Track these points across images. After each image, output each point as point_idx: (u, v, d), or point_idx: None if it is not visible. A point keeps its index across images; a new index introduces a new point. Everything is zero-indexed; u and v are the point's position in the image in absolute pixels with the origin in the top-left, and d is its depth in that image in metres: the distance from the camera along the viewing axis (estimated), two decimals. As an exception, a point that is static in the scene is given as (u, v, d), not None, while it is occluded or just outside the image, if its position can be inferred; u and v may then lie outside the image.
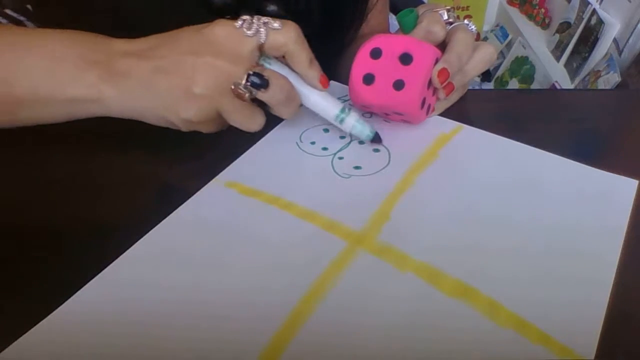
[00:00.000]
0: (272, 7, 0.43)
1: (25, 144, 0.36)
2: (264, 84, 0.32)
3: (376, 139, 0.36)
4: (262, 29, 0.32)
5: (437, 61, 0.35)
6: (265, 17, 0.33)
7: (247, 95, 0.32)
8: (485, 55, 0.38)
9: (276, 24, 0.32)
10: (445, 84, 0.36)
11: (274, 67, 0.34)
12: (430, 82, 0.35)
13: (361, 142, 0.37)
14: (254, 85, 0.32)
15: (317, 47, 0.49)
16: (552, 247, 0.29)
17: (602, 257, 0.28)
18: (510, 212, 0.31)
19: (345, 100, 0.41)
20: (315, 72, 0.34)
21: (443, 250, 0.29)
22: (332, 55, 0.55)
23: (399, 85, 0.34)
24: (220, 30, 0.32)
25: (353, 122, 0.36)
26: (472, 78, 0.39)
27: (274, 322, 0.25)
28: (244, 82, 0.31)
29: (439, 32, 0.37)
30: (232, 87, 0.32)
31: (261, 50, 0.33)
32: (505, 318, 0.25)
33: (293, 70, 0.34)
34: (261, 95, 0.32)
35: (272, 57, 0.34)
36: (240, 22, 0.32)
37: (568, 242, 0.29)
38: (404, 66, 0.35)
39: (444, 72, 0.35)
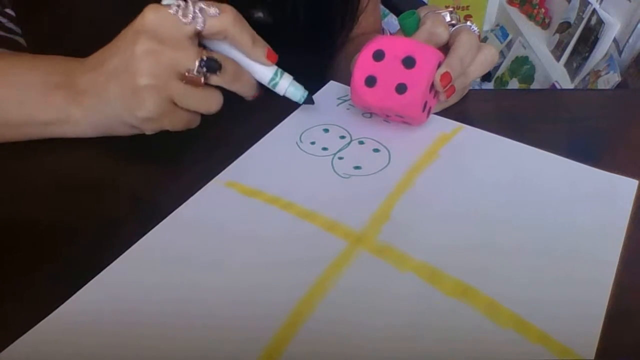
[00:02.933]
0: (258, 14, 0.43)
1: (24, 142, 0.36)
2: (217, 66, 0.32)
3: (308, 100, 0.38)
4: (199, 16, 0.31)
5: (439, 64, 0.35)
6: (201, 2, 0.32)
7: (202, 79, 0.31)
8: (487, 57, 0.38)
9: (212, 9, 0.32)
10: (447, 87, 0.35)
11: (213, 46, 0.34)
12: (432, 85, 0.35)
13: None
14: (208, 69, 0.31)
15: (307, 50, 0.49)
16: (552, 247, 0.29)
17: (602, 257, 0.28)
18: (510, 212, 0.31)
19: (345, 101, 0.41)
20: (260, 49, 0.34)
21: (443, 250, 0.29)
22: (323, 58, 0.55)
23: (401, 88, 0.34)
24: (152, 15, 0.31)
25: (286, 85, 0.37)
26: (473, 80, 0.39)
27: (274, 322, 0.25)
28: (196, 67, 0.31)
29: (443, 34, 0.37)
30: (186, 73, 0.31)
31: (199, 36, 0.32)
32: (505, 318, 0.25)
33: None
34: (214, 79, 0.32)
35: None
36: (174, 8, 0.31)
37: (568, 242, 0.29)
38: (406, 69, 0.34)
39: (446, 76, 0.35)
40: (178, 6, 0.31)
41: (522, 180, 0.33)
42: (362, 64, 0.35)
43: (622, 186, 0.33)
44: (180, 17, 0.31)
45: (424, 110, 0.36)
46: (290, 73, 0.37)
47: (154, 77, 0.30)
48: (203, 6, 0.31)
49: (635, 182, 0.33)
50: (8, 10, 0.43)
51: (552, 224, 0.30)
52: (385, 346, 0.24)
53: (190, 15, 0.31)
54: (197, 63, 0.31)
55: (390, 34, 0.46)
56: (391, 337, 0.24)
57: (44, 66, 0.35)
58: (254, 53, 0.34)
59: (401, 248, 0.29)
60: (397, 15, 0.65)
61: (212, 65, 0.31)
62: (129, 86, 0.31)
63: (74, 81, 0.33)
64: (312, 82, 0.43)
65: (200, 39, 0.33)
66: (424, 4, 0.66)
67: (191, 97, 0.32)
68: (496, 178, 0.34)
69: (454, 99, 0.40)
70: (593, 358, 0.23)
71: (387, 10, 0.73)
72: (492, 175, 0.34)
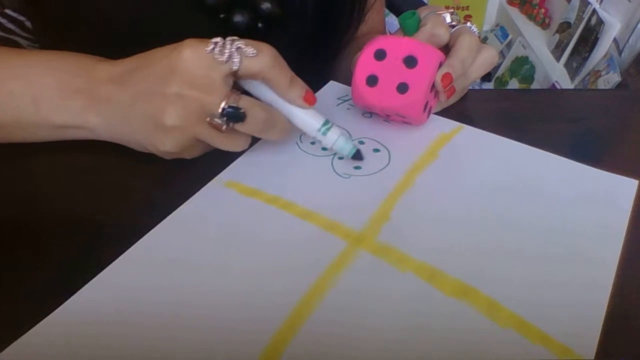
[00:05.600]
0: (266, 5, 0.43)
1: (25, 143, 0.36)
2: (240, 117, 0.30)
3: (357, 156, 0.34)
4: (235, 56, 0.30)
5: (440, 64, 0.35)
6: (239, 41, 0.30)
7: (223, 127, 0.30)
8: (487, 59, 0.38)
9: (250, 49, 0.30)
10: (448, 88, 0.36)
11: (250, 86, 0.32)
12: (433, 85, 0.35)
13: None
14: (230, 118, 0.30)
15: (313, 47, 0.49)
16: (552, 247, 0.29)
17: (602, 257, 0.28)
18: (510, 212, 0.31)
19: (345, 101, 0.41)
20: (297, 91, 0.32)
21: (443, 250, 0.29)
22: (329, 55, 0.55)
23: (402, 88, 0.34)
24: (189, 55, 0.29)
25: (335, 138, 0.34)
26: (473, 81, 0.39)
27: (274, 322, 0.25)
28: (219, 113, 0.30)
29: (443, 35, 0.37)
30: (208, 118, 0.30)
31: (235, 76, 0.31)
32: (505, 318, 0.25)
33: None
34: (239, 127, 0.31)
35: None
36: (211, 46, 0.30)
37: (568, 242, 0.29)
38: (408, 69, 0.34)
39: (447, 77, 0.35)
40: (216, 43, 0.30)
41: (522, 180, 0.33)
42: (364, 63, 0.35)
43: (622, 186, 0.33)
44: (217, 56, 0.29)
45: (424, 110, 0.36)
46: (295, 69, 0.36)
47: (181, 120, 0.30)
48: (241, 45, 0.30)
49: (635, 182, 0.33)
50: (8, 11, 0.43)
51: (552, 224, 0.30)
52: (385, 346, 0.24)
53: (227, 54, 0.30)
54: (220, 109, 0.30)
55: (390, 34, 0.46)
56: (391, 338, 0.24)
57: (63, 67, 0.33)
58: (290, 95, 0.32)
59: (401, 248, 0.29)
60: (397, 15, 0.65)
61: (235, 114, 0.30)
62: (154, 120, 0.30)
63: (96, 88, 0.32)
64: (314, 80, 0.43)
65: (236, 78, 0.32)
66: (424, 4, 0.66)
67: (215, 140, 0.31)
68: (496, 178, 0.34)
69: (453, 100, 0.41)
70: (593, 358, 0.23)
71: (387, 10, 0.73)
72: (492, 175, 0.34)
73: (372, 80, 0.35)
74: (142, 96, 0.30)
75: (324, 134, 0.34)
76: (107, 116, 0.32)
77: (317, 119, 0.34)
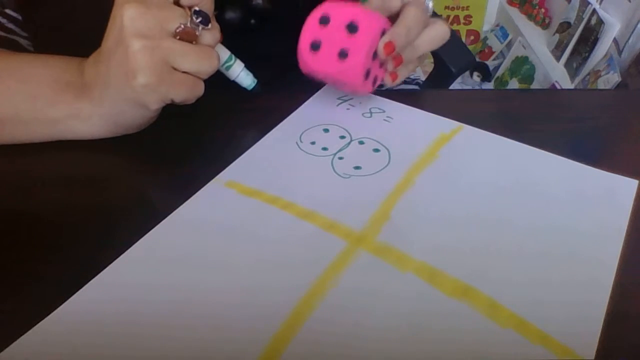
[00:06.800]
0: (257, 1, 0.43)
1: (24, 145, 0.36)
2: (208, 19, 0.32)
3: (256, 88, 0.37)
4: None
5: (384, 32, 0.35)
6: None
7: (196, 32, 0.32)
8: (437, 33, 0.38)
9: None
10: (392, 56, 0.35)
11: None
12: (376, 54, 0.35)
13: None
14: (202, 21, 0.32)
15: None
16: (552, 247, 0.29)
17: (602, 257, 0.28)
18: (510, 212, 0.31)
19: (345, 101, 0.41)
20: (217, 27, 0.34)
21: (443, 250, 0.29)
22: None
23: (343, 54, 0.34)
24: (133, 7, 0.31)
25: (239, 71, 0.37)
26: (422, 53, 0.38)
27: (274, 322, 0.25)
28: (189, 20, 0.31)
29: (394, 3, 0.37)
30: (178, 29, 0.31)
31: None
32: (506, 318, 0.25)
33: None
34: (205, 35, 0.32)
35: None
36: None
37: (568, 242, 0.29)
38: (349, 35, 0.34)
39: (389, 45, 0.35)
40: None
41: (522, 180, 0.33)
42: (308, 29, 0.35)
43: (622, 186, 0.33)
44: None
45: (367, 79, 0.36)
46: (289, 63, 0.36)
47: (144, 37, 0.30)
48: None
49: (635, 182, 0.33)
50: (8, 11, 0.43)
51: (552, 224, 0.30)
52: (385, 346, 0.24)
53: None
54: (189, 16, 0.31)
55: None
56: (391, 338, 0.24)
57: (57, 64, 0.35)
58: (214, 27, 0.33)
59: (401, 248, 0.29)
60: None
61: (204, 16, 0.32)
62: (123, 54, 0.30)
63: (82, 78, 0.34)
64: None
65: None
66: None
67: (187, 55, 0.31)
68: (496, 178, 0.34)
69: (405, 72, 0.40)
70: (593, 358, 0.23)
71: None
72: (492, 175, 0.34)
73: (315, 46, 0.35)
74: (111, 49, 0.31)
75: (228, 69, 0.36)
76: (96, 98, 0.34)
77: (223, 53, 0.36)
